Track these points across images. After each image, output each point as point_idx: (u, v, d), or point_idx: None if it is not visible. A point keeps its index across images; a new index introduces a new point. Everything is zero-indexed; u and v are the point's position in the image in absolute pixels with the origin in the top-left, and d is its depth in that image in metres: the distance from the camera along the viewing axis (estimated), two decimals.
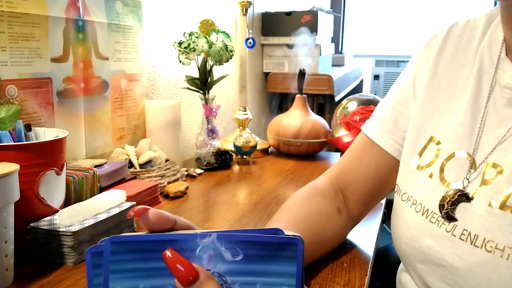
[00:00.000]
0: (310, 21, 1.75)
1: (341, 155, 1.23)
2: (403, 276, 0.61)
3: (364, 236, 0.70)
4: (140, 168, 0.92)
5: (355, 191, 0.64)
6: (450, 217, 0.48)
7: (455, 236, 0.48)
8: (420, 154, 0.56)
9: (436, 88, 0.57)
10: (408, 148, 0.58)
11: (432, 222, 0.50)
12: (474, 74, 0.53)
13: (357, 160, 0.65)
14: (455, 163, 0.51)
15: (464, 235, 0.47)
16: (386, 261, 0.91)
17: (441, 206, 0.50)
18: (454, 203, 0.48)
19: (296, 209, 0.60)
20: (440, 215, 0.50)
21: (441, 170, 0.52)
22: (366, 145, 0.64)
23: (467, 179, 0.49)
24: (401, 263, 0.63)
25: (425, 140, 0.56)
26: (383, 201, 0.83)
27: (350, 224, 0.66)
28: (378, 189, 0.64)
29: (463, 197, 0.48)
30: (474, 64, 0.54)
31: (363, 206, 0.65)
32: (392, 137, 0.62)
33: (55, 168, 0.62)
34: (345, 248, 0.66)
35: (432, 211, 0.51)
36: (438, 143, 0.54)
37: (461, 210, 0.48)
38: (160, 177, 0.92)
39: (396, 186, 0.59)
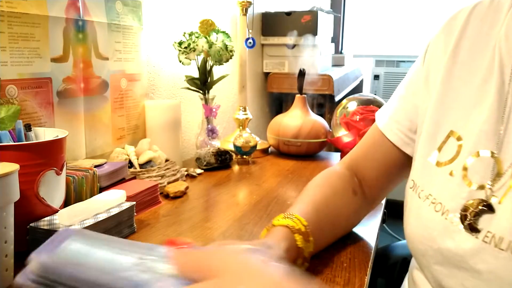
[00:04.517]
0: (310, 21, 1.75)
1: (341, 155, 1.23)
2: (416, 274, 0.58)
3: (364, 236, 0.70)
4: (140, 168, 0.92)
5: (366, 176, 0.67)
6: (473, 229, 0.46)
7: (477, 238, 0.45)
8: (439, 149, 0.52)
9: (456, 78, 0.52)
10: (425, 142, 0.54)
11: (453, 223, 0.48)
12: (497, 65, 0.48)
13: (368, 148, 0.67)
14: (479, 163, 0.47)
15: (487, 237, 0.44)
16: (386, 261, 0.91)
17: (463, 216, 0.47)
18: (477, 214, 0.46)
19: (314, 192, 0.64)
20: (463, 225, 0.46)
21: (464, 168, 0.48)
22: (376, 134, 0.65)
23: (491, 184, 0.46)
24: (413, 260, 0.61)
25: (444, 134, 0.52)
26: (383, 201, 0.83)
27: (365, 207, 0.68)
28: (389, 177, 0.66)
29: (486, 207, 0.45)
30: (495, 53, 0.49)
31: (377, 191, 0.67)
32: (399, 128, 0.61)
33: (55, 168, 0.62)
34: (345, 248, 0.66)
35: (453, 212, 0.48)
36: (459, 138, 0.50)
37: (485, 219, 0.45)
38: (160, 177, 0.92)
39: (412, 182, 0.56)
